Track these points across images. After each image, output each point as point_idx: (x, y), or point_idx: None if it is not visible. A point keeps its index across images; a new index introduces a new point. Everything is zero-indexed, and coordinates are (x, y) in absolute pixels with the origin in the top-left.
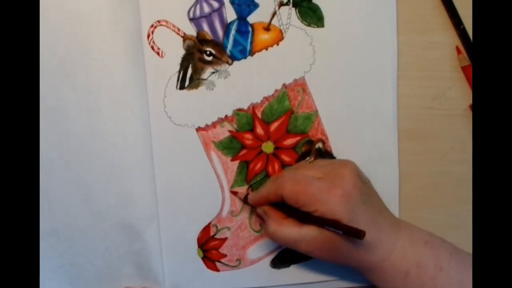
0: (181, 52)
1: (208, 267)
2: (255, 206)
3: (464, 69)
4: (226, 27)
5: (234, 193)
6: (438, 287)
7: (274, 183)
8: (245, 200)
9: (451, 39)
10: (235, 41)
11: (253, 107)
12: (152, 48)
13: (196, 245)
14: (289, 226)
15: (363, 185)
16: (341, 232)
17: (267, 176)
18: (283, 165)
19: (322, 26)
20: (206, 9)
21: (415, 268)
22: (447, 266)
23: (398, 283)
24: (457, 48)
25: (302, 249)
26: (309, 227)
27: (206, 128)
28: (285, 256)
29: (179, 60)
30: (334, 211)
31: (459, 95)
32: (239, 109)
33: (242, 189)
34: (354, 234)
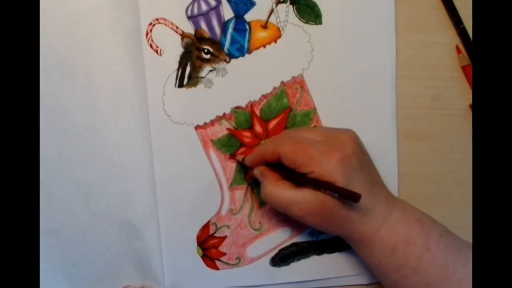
0: (180, 50)
1: (207, 265)
2: (252, 166)
3: (464, 68)
4: (224, 25)
5: (233, 156)
6: (421, 267)
7: (272, 142)
8: (242, 162)
9: (451, 38)
10: (233, 39)
11: (252, 105)
12: (151, 46)
13: (195, 244)
14: (284, 187)
15: (362, 154)
16: (336, 195)
17: None
18: None
19: (320, 23)
20: (204, 7)
21: (403, 244)
22: (434, 247)
23: (384, 258)
24: (457, 47)
25: (294, 212)
26: (304, 190)
27: (205, 126)
28: (284, 254)
29: (178, 58)
30: (331, 173)
31: (459, 95)
32: (237, 107)
33: (239, 156)
34: (349, 197)
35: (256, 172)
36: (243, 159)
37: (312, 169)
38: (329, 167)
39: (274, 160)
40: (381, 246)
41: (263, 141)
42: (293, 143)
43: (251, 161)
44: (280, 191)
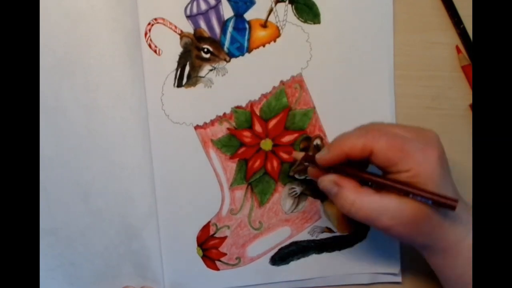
0: (178, 49)
1: (207, 266)
2: (328, 165)
3: (464, 68)
4: (223, 24)
5: (289, 152)
6: None
7: (361, 136)
8: (306, 162)
9: (451, 38)
10: (232, 38)
11: (251, 104)
12: (150, 46)
13: (195, 244)
14: (369, 194)
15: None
16: (430, 201)
17: (266, 173)
18: (282, 163)
19: (319, 22)
20: (203, 6)
21: None
22: None
23: (469, 269)
24: (457, 47)
25: (383, 223)
26: (391, 196)
27: (205, 126)
28: (284, 253)
29: (177, 58)
30: (429, 173)
31: (459, 95)
32: (238, 107)
33: (298, 153)
34: (446, 204)
35: (327, 183)
36: (305, 159)
37: (409, 167)
38: (427, 166)
39: (360, 157)
40: (468, 256)
41: (340, 135)
42: (389, 139)
43: (329, 159)
44: (365, 199)
